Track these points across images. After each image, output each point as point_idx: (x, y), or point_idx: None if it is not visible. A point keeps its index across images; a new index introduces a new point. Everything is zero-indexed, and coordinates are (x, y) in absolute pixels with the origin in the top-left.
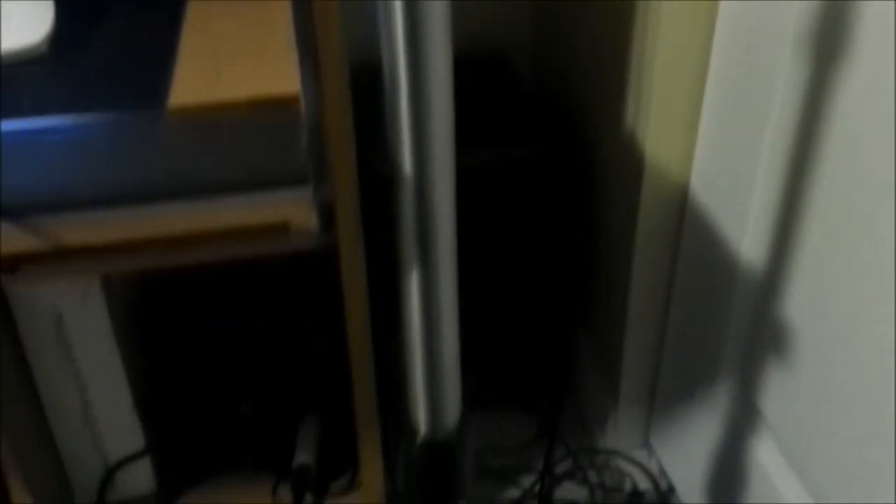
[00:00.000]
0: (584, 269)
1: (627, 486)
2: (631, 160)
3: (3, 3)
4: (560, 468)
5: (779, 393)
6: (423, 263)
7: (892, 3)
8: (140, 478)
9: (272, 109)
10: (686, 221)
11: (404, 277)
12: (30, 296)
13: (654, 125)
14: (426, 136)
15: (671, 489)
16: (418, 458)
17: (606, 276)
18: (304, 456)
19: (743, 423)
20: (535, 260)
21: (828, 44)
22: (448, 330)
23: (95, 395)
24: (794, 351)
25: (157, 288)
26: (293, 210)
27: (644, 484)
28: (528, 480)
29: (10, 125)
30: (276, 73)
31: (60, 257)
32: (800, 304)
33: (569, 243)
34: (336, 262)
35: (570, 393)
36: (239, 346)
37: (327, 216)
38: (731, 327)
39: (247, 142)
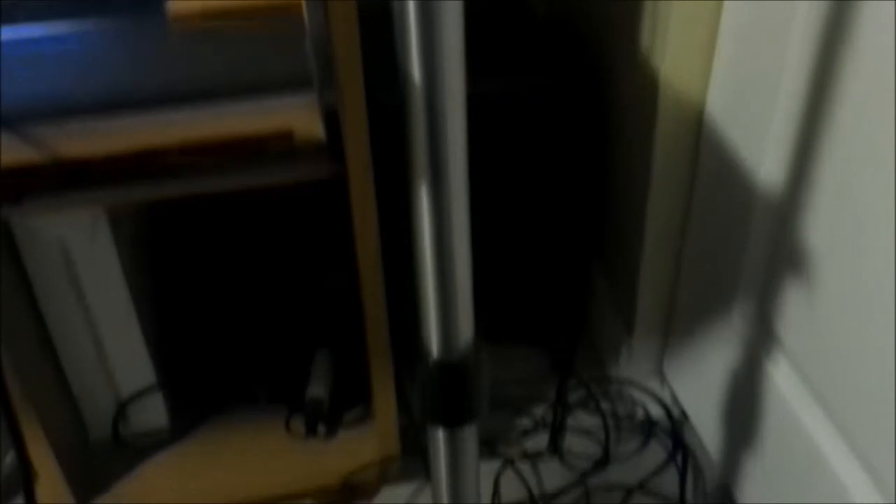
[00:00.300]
0: (599, 198)
1: (640, 414)
2: (646, 86)
3: None
4: (573, 398)
5: (797, 318)
6: (434, 183)
7: None
8: (153, 412)
9: (274, 15)
10: (703, 147)
11: (415, 198)
12: (36, 230)
13: (670, 50)
14: (436, 62)
15: (684, 417)
16: (432, 379)
17: (622, 204)
18: (316, 389)
19: (759, 349)
20: (549, 191)
21: None
22: (460, 250)
23: (106, 330)
24: (813, 275)
25: (166, 224)
26: (298, 116)
27: (657, 412)
28: (540, 411)
29: (10, 34)
30: None
31: (64, 185)
32: (819, 228)
33: (583, 172)
34: (346, 195)
35: (584, 325)
36: (250, 280)
37: (335, 138)
38: (748, 253)
39: (249, 47)
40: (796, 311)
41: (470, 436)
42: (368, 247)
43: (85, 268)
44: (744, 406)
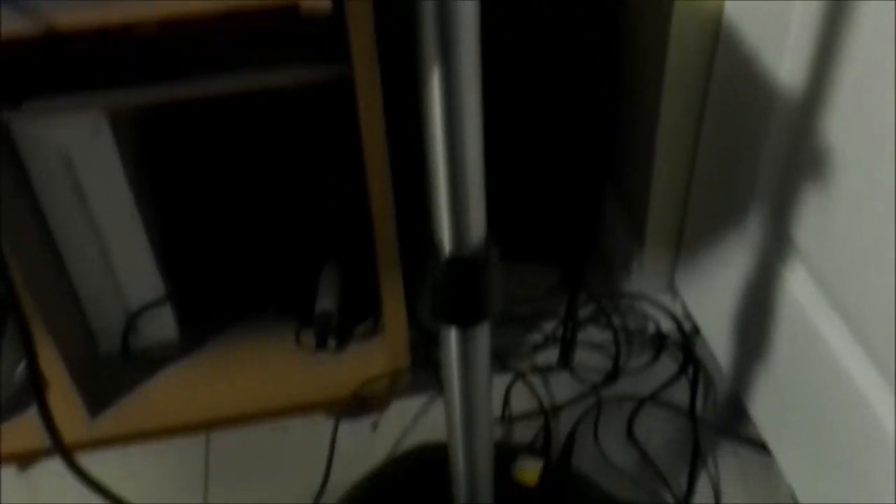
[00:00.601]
0: (611, 108)
1: (651, 329)
2: None
3: None
4: (584, 313)
5: (815, 222)
6: (444, 66)
7: None
8: (162, 325)
9: None
10: (719, 49)
11: (426, 86)
12: (37, 136)
13: None
14: None
15: (695, 331)
16: (443, 276)
17: (634, 113)
18: (325, 302)
19: (775, 256)
20: (560, 103)
21: None
22: (472, 140)
23: (111, 239)
24: (832, 178)
25: (170, 130)
26: None
27: (668, 326)
28: (551, 326)
29: None
30: None
31: (64, 87)
32: (839, 129)
33: (595, 81)
34: (353, 100)
35: (594, 240)
36: (257, 191)
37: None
38: (765, 159)
39: None
40: (814, 216)
41: (482, 336)
42: (376, 154)
43: (87, 175)
44: (757, 315)
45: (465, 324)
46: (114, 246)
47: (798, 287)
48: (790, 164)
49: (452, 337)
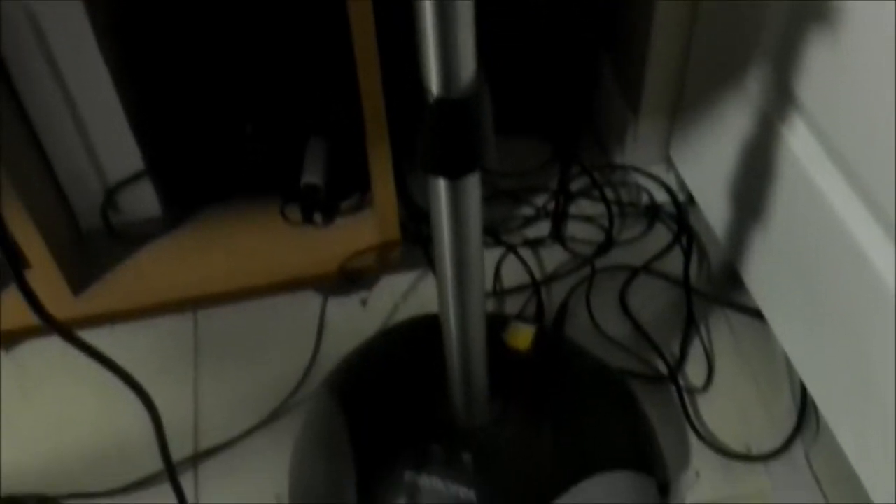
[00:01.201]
0: None
1: (644, 200)
2: None
3: None
4: (576, 186)
5: (819, 75)
6: None
7: None
8: (143, 200)
9: None
10: None
11: None
12: (5, 5)
13: None
14: None
15: (690, 201)
16: (432, 119)
17: None
18: (311, 175)
19: (775, 115)
20: None
21: None
22: None
23: (86, 111)
24: (838, 29)
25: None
26: None
27: (662, 198)
28: (542, 200)
29: None
30: None
31: None
32: None
33: None
34: None
35: (587, 111)
36: (240, 62)
37: None
38: (769, 12)
39: None
40: (818, 69)
41: (473, 188)
42: (363, 19)
43: (58, 45)
44: (755, 179)
45: (456, 173)
46: (88, 117)
47: (799, 145)
48: (796, 15)
49: (442, 190)
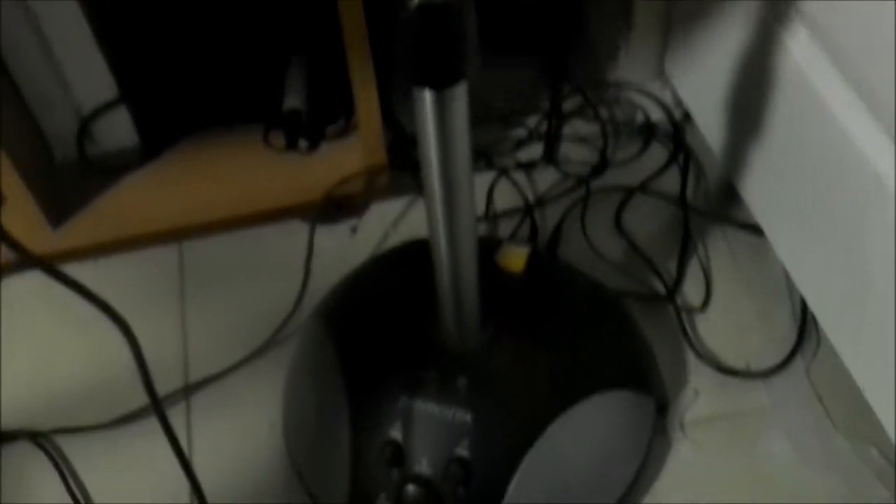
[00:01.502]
0: None
1: (639, 119)
2: None
3: None
4: (568, 106)
5: None
6: None
7: None
8: (119, 129)
9: None
10: None
11: None
12: None
13: None
14: None
15: (686, 118)
16: (414, 24)
17: None
18: (293, 99)
19: (775, 21)
20: None
21: None
22: None
23: (54, 34)
24: None
25: None
26: None
27: (657, 115)
28: (534, 121)
29: None
30: None
31: None
32: None
33: None
34: None
35: (579, 28)
36: None
37: None
38: None
39: None
40: None
41: (460, 100)
42: None
43: None
44: (753, 89)
45: (441, 84)
46: (56, 40)
47: (799, 50)
48: None
49: (427, 103)
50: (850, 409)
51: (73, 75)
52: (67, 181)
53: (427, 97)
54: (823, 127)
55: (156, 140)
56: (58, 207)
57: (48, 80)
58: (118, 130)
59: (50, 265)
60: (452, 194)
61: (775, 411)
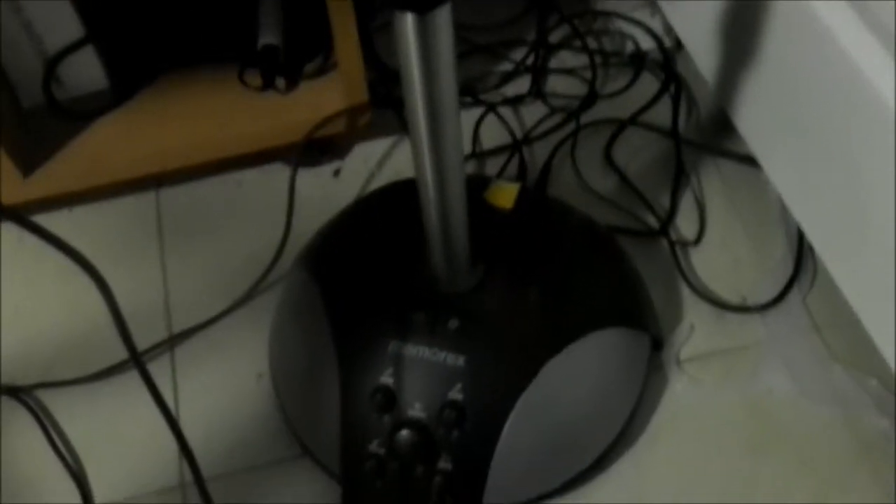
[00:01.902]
0: None
1: (629, 48)
2: None
3: None
4: (555, 37)
5: None
6: None
7: None
8: (88, 72)
9: None
10: None
11: None
12: None
13: None
14: None
15: (677, 47)
16: None
17: None
18: (269, 36)
19: None
20: None
21: None
22: None
23: None
24: None
25: None
26: None
27: (647, 44)
28: (520, 54)
29: None
30: None
31: None
32: None
33: None
34: None
35: None
36: None
37: None
38: None
39: None
40: None
41: (444, 24)
42: None
43: None
44: (747, 11)
45: (424, 6)
46: None
47: None
48: None
49: (409, 29)
50: (849, 340)
51: (35, 15)
52: (37, 128)
53: (409, 22)
54: (821, 48)
55: (126, 82)
56: (28, 155)
57: (9, 22)
58: (87, 72)
59: (22, 215)
60: (438, 129)
61: (772, 344)
